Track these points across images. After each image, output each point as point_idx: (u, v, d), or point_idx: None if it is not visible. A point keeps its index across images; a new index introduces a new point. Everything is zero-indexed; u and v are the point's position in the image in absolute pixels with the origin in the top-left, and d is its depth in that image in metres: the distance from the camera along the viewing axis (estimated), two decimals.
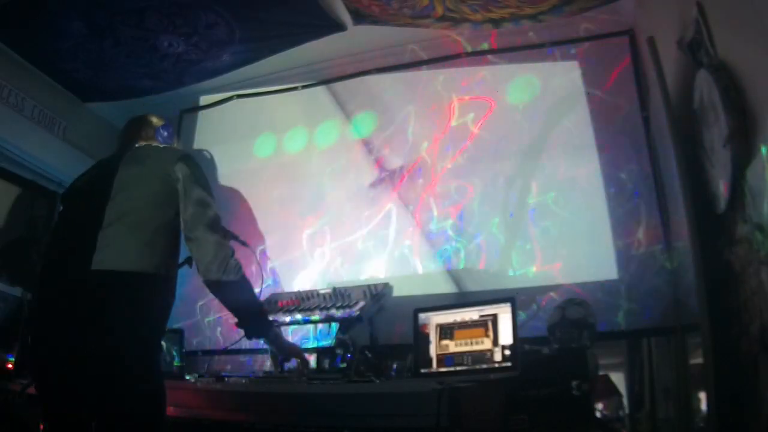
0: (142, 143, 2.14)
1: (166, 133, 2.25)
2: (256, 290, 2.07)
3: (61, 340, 1.68)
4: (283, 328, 2.72)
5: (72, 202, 2.01)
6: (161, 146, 2.14)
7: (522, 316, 2.67)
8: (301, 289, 2.90)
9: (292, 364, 2.40)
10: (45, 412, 1.77)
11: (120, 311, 1.67)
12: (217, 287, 1.87)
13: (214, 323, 3.42)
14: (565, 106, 3.19)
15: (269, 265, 3.47)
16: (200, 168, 2.00)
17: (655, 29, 2.60)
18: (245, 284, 1.93)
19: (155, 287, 1.78)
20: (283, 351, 2.15)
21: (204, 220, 1.87)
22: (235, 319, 2.01)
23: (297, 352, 2.19)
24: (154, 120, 2.26)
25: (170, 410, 1.82)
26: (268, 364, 2.19)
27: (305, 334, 3.14)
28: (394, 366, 2.52)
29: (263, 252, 3.48)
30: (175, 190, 1.88)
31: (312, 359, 2.85)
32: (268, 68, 3.73)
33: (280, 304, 2.74)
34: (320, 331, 2.98)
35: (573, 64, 3.23)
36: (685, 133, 2.26)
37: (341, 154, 3.62)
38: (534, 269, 2.98)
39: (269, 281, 3.37)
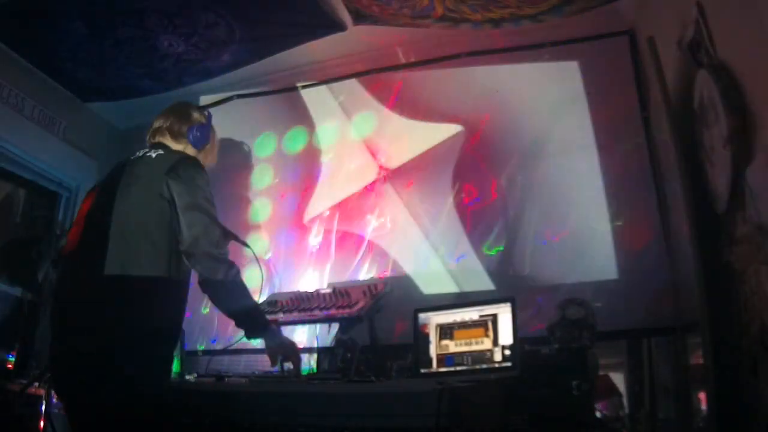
0: (166, 141, 2.06)
1: (198, 134, 2.09)
2: (257, 290, 2.06)
3: (70, 338, 1.75)
4: (283, 328, 2.72)
5: (87, 210, 1.96)
6: (155, 156, 1.96)
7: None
8: (301, 289, 2.90)
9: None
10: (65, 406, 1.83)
11: (119, 311, 1.72)
12: (216, 299, 1.92)
13: (214, 323, 3.42)
14: (565, 106, 3.20)
15: (269, 264, 3.47)
16: (194, 174, 1.90)
17: (655, 29, 2.60)
18: (244, 291, 1.93)
19: (160, 290, 1.81)
20: (283, 348, 2.11)
21: (203, 238, 1.84)
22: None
23: (292, 350, 2.14)
24: (195, 115, 2.13)
25: None
26: (267, 364, 2.16)
27: (305, 334, 3.14)
28: (394, 366, 2.52)
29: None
30: (167, 210, 1.83)
31: (312, 359, 2.85)
32: (268, 68, 3.73)
33: (280, 304, 2.74)
34: (320, 331, 2.97)
35: (573, 64, 3.24)
36: (685, 133, 2.26)
37: (341, 154, 3.62)
38: (534, 269, 2.98)
39: (272, 281, 3.37)
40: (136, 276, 1.75)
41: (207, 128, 2.14)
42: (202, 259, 1.84)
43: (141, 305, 1.76)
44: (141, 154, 1.99)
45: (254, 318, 2.00)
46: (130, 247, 1.78)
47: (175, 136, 2.08)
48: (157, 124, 2.11)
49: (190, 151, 2.09)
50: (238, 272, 1.91)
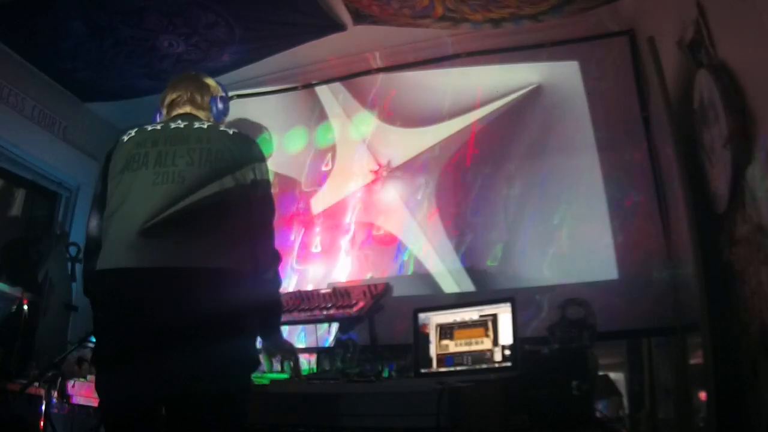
0: (193, 112, 1.88)
1: (222, 106, 1.97)
2: None
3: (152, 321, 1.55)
4: (283, 328, 2.72)
5: (126, 181, 1.72)
6: (231, 132, 1.82)
7: None
8: (301, 289, 2.90)
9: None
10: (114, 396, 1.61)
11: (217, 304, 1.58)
12: (259, 290, 1.78)
13: None
14: (565, 106, 3.19)
15: None
16: (267, 163, 1.86)
17: (655, 29, 2.60)
18: (279, 289, 1.89)
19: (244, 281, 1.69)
20: (282, 350, 2.09)
21: (271, 230, 1.81)
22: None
23: (291, 352, 2.13)
24: (212, 85, 1.98)
25: None
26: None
27: (305, 334, 3.14)
28: (394, 366, 2.52)
29: None
30: (248, 184, 1.75)
31: (312, 359, 2.85)
32: (268, 68, 3.73)
33: None
34: (320, 331, 2.97)
35: (573, 64, 3.24)
36: (685, 133, 2.26)
37: (341, 154, 3.62)
38: (534, 269, 2.98)
39: None
40: (224, 268, 1.64)
41: (227, 100, 2.04)
42: (263, 252, 1.77)
43: (232, 298, 1.62)
44: (184, 124, 1.80)
45: (280, 318, 1.96)
46: (210, 216, 1.66)
47: (200, 108, 1.92)
48: (172, 96, 1.92)
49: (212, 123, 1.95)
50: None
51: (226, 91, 2.04)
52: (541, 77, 3.29)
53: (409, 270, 3.22)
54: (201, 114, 1.92)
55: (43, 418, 2.61)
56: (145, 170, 1.71)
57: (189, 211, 1.65)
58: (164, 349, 1.51)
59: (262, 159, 1.83)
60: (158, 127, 1.83)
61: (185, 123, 1.82)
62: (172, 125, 1.81)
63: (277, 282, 1.84)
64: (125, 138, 1.83)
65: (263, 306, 1.83)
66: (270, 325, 1.92)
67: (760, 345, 1.75)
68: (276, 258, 1.82)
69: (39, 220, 3.91)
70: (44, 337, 3.37)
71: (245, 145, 1.82)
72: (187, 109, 1.90)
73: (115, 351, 1.59)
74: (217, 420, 1.56)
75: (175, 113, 1.91)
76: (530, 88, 3.29)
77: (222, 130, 1.83)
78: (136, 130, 1.84)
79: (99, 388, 1.65)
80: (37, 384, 2.66)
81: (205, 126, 1.82)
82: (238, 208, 1.73)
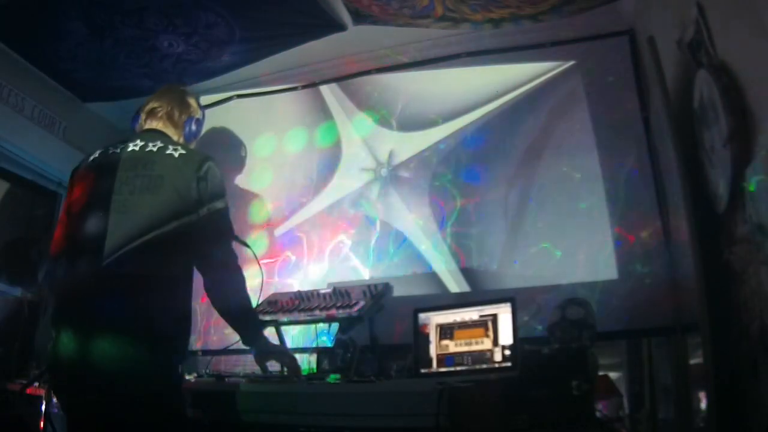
0: (163, 129, 2.00)
1: (195, 128, 2.08)
2: (257, 291, 2.08)
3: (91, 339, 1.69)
4: (283, 328, 2.72)
5: (85, 193, 1.87)
6: (177, 155, 1.89)
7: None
8: (301, 289, 2.90)
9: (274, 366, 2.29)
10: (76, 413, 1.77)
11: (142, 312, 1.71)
12: (221, 304, 1.91)
13: (213, 323, 3.43)
14: (565, 106, 3.19)
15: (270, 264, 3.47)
16: (221, 180, 1.92)
17: (655, 29, 2.60)
18: (247, 299, 1.95)
19: (178, 288, 1.81)
20: (277, 356, 2.11)
21: (224, 247, 1.89)
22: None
23: (287, 356, 2.13)
24: (193, 105, 2.10)
25: None
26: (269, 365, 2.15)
27: (305, 334, 3.14)
28: (394, 366, 2.52)
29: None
30: (190, 210, 1.82)
31: (312, 359, 2.85)
32: (268, 68, 3.73)
33: (280, 304, 2.74)
34: (320, 331, 2.97)
35: (573, 65, 3.24)
36: (685, 133, 2.26)
37: (341, 154, 3.62)
38: (534, 269, 2.98)
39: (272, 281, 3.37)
40: (156, 275, 1.75)
41: (202, 124, 2.14)
42: (218, 267, 1.86)
43: (163, 304, 1.74)
44: (140, 145, 1.90)
45: (254, 326, 2.02)
46: (149, 246, 1.75)
47: (174, 125, 2.03)
48: (154, 105, 2.04)
49: (181, 141, 2.05)
50: (244, 280, 1.93)
51: (203, 115, 2.15)
52: (541, 77, 3.29)
53: (409, 270, 3.22)
54: (171, 131, 2.02)
55: (43, 418, 2.61)
56: (98, 197, 1.82)
57: (132, 245, 1.74)
58: (94, 357, 1.64)
59: (210, 180, 1.87)
60: (118, 150, 1.92)
61: (142, 143, 1.91)
62: (130, 147, 1.91)
63: (238, 291, 1.90)
64: (90, 159, 1.94)
65: (232, 316, 1.94)
66: (246, 333, 1.98)
67: (760, 345, 1.75)
68: (228, 267, 1.89)
69: (39, 220, 3.90)
70: (44, 337, 3.37)
71: (190, 167, 1.87)
72: (159, 124, 2.01)
73: (54, 357, 1.73)
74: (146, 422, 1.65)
75: (146, 126, 2.01)
76: (530, 87, 3.29)
77: (168, 154, 1.89)
78: (99, 151, 1.94)
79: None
80: (37, 384, 2.66)
81: (155, 149, 1.89)
82: (178, 235, 1.79)
